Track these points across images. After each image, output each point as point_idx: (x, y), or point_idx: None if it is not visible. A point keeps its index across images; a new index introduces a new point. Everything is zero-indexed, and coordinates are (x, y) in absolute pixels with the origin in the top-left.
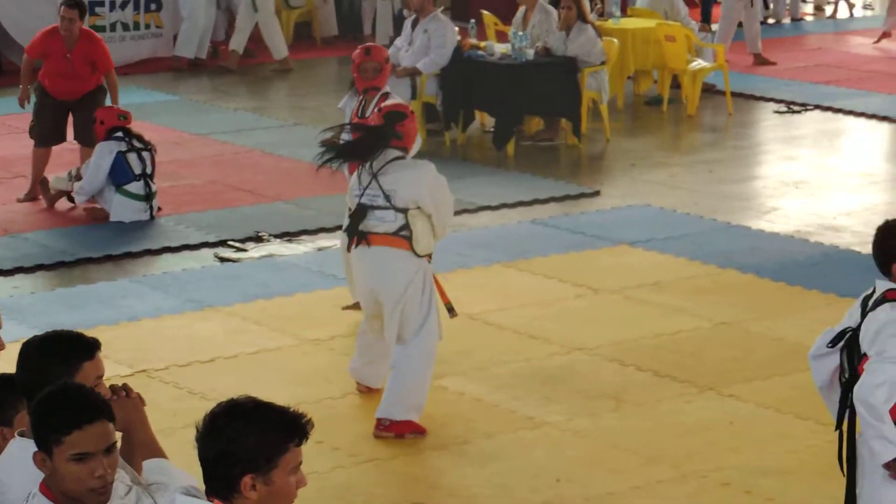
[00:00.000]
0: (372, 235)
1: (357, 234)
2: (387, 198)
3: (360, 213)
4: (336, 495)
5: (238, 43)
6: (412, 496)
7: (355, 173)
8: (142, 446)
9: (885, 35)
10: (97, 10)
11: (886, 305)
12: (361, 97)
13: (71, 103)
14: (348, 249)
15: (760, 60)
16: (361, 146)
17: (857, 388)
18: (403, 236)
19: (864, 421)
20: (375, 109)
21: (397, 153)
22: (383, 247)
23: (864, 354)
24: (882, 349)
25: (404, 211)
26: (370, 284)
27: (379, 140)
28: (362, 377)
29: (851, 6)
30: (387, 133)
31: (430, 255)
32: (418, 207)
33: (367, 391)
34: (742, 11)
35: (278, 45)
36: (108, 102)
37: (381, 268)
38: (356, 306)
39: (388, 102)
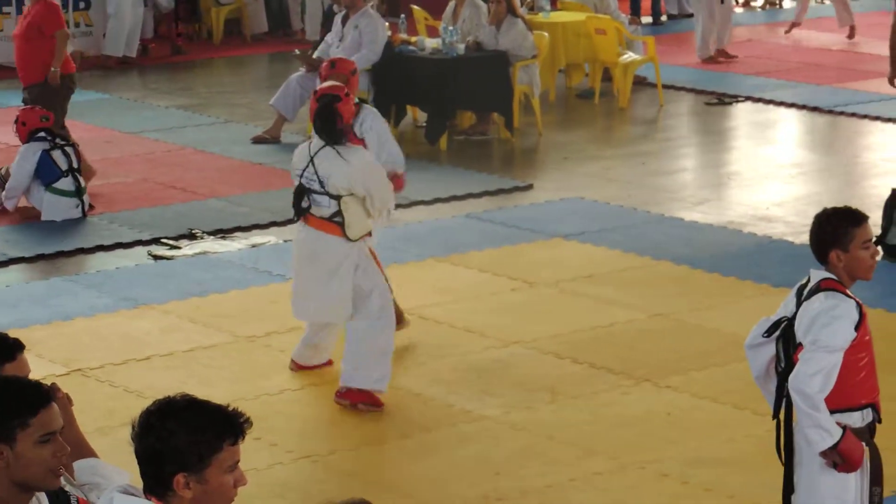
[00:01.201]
0: (310, 216)
1: (299, 211)
2: (321, 183)
3: (299, 192)
4: (274, 492)
5: None
6: (350, 492)
7: (297, 152)
8: (72, 447)
9: (796, 25)
10: (24, 8)
11: (821, 295)
12: None
13: None
14: (294, 221)
15: (724, 55)
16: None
17: (792, 378)
18: (336, 222)
19: (800, 410)
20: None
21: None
22: (317, 231)
23: (800, 344)
24: (816, 338)
25: (338, 198)
26: (304, 263)
27: (326, 125)
28: (299, 356)
29: None
30: (330, 115)
31: (368, 234)
32: (352, 194)
33: (298, 369)
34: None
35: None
36: None
37: (311, 250)
38: None
39: (323, 85)
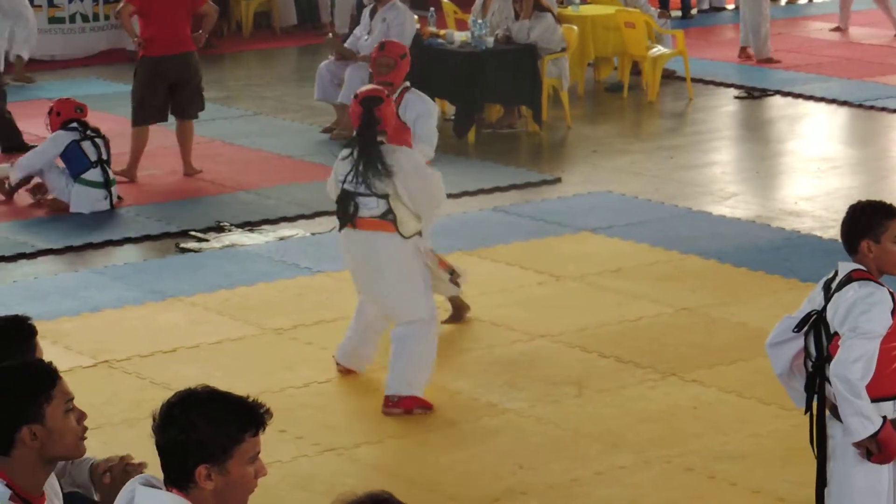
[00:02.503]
0: (359, 219)
1: (345, 218)
2: (367, 185)
3: (345, 198)
4: (299, 485)
5: None
6: (375, 485)
7: (338, 159)
8: None
9: (839, 30)
10: (56, 1)
11: (854, 284)
12: None
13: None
14: (339, 230)
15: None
16: (364, 150)
17: (834, 365)
18: (389, 219)
19: (842, 397)
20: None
21: (380, 139)
22: (370, 231)
23: (835, 334)
24: (855, 325)
25: (385, 196)
26: (360, 266)
27: (367, 130)
28: (348, 360)
29: None
30: (370, 120)
31: (420, 233)
32: (396, 192)
33: (346, 373)
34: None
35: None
36: None
37: (368, 251)
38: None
39: (363, 88)
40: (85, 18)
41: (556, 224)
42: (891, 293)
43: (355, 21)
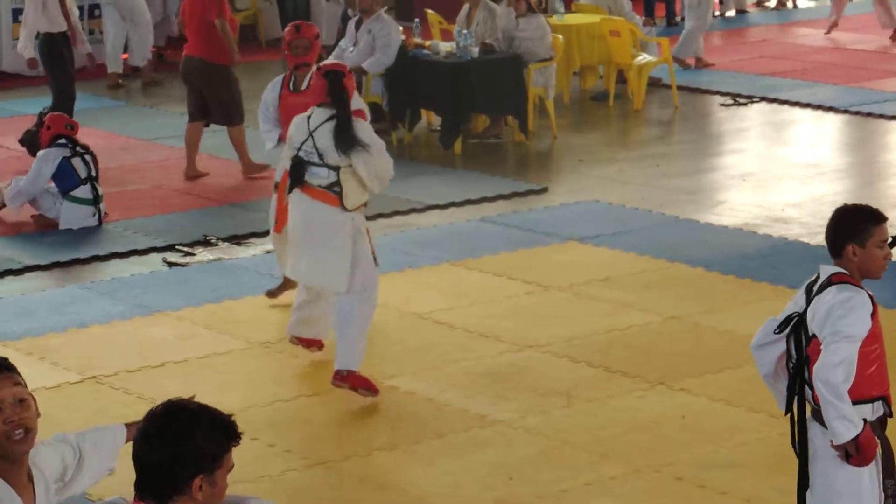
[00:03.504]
0: (307, 187)
1: (295, 183)
2: (320, 156)
3: (298, 165)
4: (289, 498)
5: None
6: (365, 497)
7: (294, 125)
8: None
9: (834, 25)
10: None
11: (833, 288)
12: (291, 73)
13: None
14: (289, 192)
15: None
16: (343, 123)
17: (817, 369)
18: (335, 192)
19: (825, 401)
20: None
21: (333, 111)
22: (315, 200)
23: (813, 337)
24: (836, 329)
25: (336, 168)
26: (300, 230)
27: (343, 104)
28: (306, 329)
29: None
30: (342, 93)
31: (364, 205)
32: (350, 165)
33: (309, 345)
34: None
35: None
36: None
37: (310, 219)
38: (280, 289)
39: (326, 62)
40: None
41: (543, 234)
42: (870, 296)
43: (341, 33)
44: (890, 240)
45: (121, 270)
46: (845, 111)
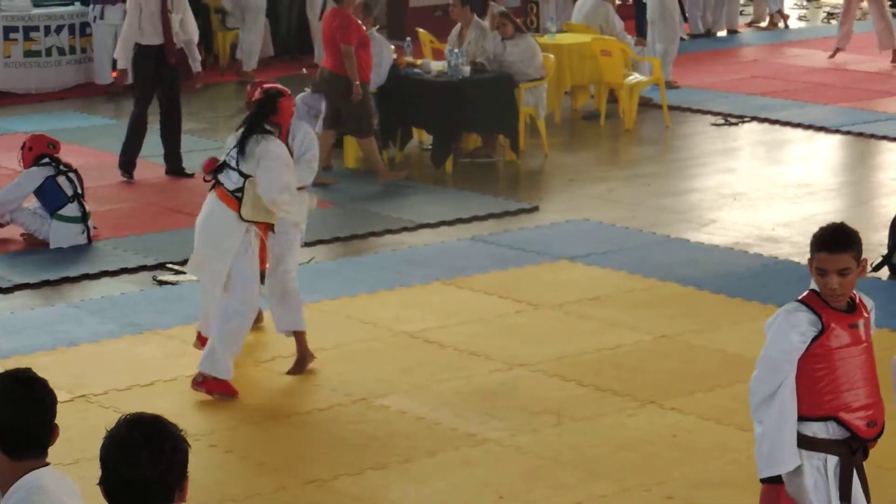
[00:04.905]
0: (219, 187)
1: (214, 182)
2: (237, 161)
3: (220, 166)
4: None
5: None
6: None
7: (231, 135)
8: None
9: (840, 50)
10: (32, 35)
11: (784, 306)
12: None
13: None
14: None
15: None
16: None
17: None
18: (237, 197)
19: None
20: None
21: (269, 127)
22: (220, 201)
23: None
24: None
25: (246, 176)
26: (200, 223)
27: (258, 112)
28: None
29: (786, 17)
30: (266, 105)
31: (268, 225)
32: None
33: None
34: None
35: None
36: None
37: (210, 216)
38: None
39: (268, 84)
40: (61, 52)
41: (533, 252)
42: (819, 314)
43: None
44: (878, 261)
45: (111, 289)
46: (836, 131)
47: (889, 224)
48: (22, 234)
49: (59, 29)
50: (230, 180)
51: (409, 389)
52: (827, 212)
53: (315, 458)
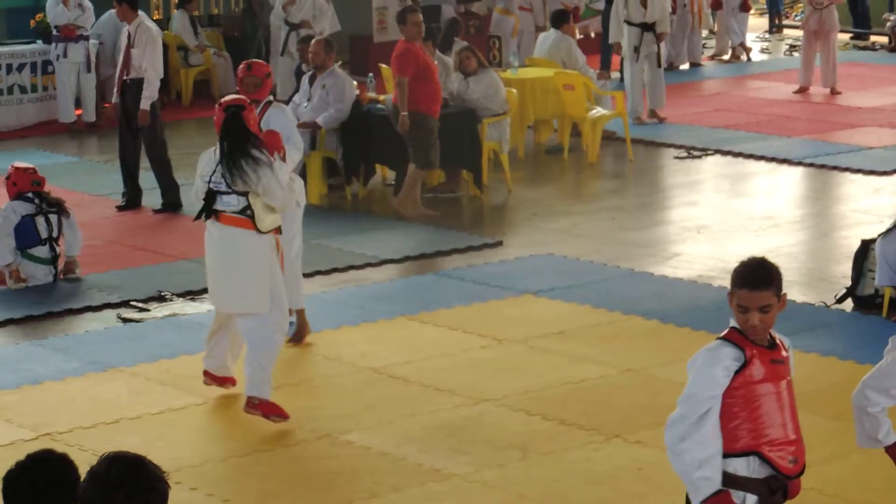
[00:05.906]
0: (221, 214)
1: (209, 213)
2: (227, 185)
3: (210, 197)
4: None
5: None
6: None
7: (202, 159)
8: None
9: (804, 90)
10: None
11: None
12: None
13: None
14: (199, 218)
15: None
16: (230, 148)
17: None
18: (247, 216)
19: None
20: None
21: (250, 142)
22: (230, 226)
23: None
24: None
25: (244, 194)
26: (217, 257)
27: (235, 132)
28: (216, 369)
29: (748, 50)
30: (237, 123)
31: (278, 229)
32: (253, 189)
33: (222, 382)
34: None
35: None
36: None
37: (227, 245)
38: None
39: (226, 98)
40: (23, 90)
41: (498, 287)
42: (742, 348)
43: (296, 88)
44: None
45: (75, 327)
46: (799, 163)
47: (852, 256)
48: None
49: (20, 67)
50: (229, 205)
51: (373, 425)
52: (791, 244)
53: (281, 495)
